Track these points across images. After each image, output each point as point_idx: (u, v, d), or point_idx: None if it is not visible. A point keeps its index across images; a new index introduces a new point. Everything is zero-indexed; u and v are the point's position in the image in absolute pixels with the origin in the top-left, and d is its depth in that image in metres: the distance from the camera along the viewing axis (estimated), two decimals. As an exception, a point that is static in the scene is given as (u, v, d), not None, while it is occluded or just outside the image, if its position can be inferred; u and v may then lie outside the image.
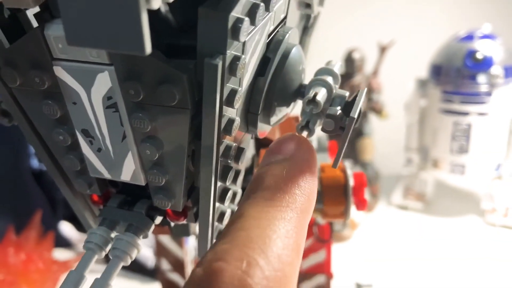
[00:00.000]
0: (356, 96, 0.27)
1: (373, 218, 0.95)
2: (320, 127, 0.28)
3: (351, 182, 0.40)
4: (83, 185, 0.28)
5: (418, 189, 0.97)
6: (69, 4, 0.16)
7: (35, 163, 0.85)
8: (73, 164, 0.26)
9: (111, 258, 0.26)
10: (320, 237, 0.56)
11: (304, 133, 0.28)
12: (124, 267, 0.81)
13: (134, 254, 0.27)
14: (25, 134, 0.27)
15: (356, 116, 0.26)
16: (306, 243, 0.58)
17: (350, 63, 0.89)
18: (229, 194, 0.28)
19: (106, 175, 0.26)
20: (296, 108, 0.32)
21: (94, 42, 0.16)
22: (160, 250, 0.60)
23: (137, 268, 0.79)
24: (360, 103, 0.27)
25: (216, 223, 0.29)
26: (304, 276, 0.60)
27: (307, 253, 0.59)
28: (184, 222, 0.29)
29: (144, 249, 0.78)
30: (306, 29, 0.36)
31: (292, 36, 0.28)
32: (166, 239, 0.59)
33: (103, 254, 0.27)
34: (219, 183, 0.26)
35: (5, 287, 0.65)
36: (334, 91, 0.28)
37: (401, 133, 1.01)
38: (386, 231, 0.90)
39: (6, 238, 0.72)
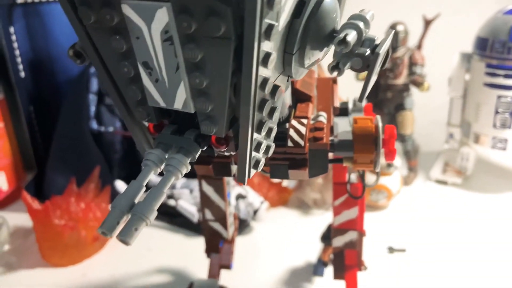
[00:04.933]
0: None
1: (410, 191, 0.97)
2: (350, 67, 0.31)
3: (381, 133, 0.43)
4: (142, 114, 0.33)
5: (458, 164, 0.97)
6: None
7: (94, 125, 0.93)
8: (135, 94, 0.31)
9: (164, 173, 0.31)
10: (353, 194, 0.59)
11: (334, 73, 0.31)
12: (170, 222, 0.87)
13: (183, 171, 0.31)
14: (96, 69, 0.32)
15: (381, 52, 0.29)
16: (340, 200, 0.62)
17: (394, 36, 0.90)
18: (265, 126, 0.32)
19: (162, 103, 0.31)
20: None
21: None
22: (204, 201, 0.65)
23: (183, 224, 0.85)
24: (387, 42, 0.30)
25: (253, 153, 0.33)
26: (337, 231, 0.63)
27: (340, 209, 0.62)
28: (225, 150, 0.33)
29: (189, 206, 0.85)
30: None
31: None
32: (210, 191, 0.64)
33: (158, 170, 0.32)
34: (257, 114, 0.30)
35: (67, 230, 0.73)
36: (364, 35, 0.31)
37: (443, 111, 1.01)
38: (423, 203, 0.92)
39: (69, 189, 0.80)
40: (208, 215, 0.66)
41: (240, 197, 0.84)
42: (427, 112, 1.07)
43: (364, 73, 0.94)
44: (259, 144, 0.33)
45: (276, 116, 0.33)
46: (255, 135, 0.32)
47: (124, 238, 0.27)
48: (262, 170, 0.45)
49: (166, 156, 0.32)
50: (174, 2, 0.25)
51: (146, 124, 0.35)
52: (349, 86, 0.79)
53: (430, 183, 0.99)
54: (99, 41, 0.30)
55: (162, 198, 0.30)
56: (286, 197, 0.93)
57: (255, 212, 0.83)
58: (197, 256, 0.74)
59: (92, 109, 0.93)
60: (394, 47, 0.91)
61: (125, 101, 0.33)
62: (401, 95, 0.93)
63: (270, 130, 0.34)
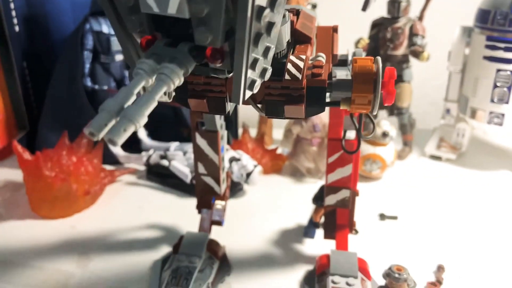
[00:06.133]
0: None
1: (404, 165, 0.96)
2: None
3: (381, 72, 0.42)
4: (134, 23, 0.31)
5: (454, 140, 0.97)
6: None
7: (88, 83, 0.92)
8: None
9: (156, 82, 0.30)
10: (348, 149, 0.58)
11: None
12: (163, 183, 0.86)
13: (176, 82, 0.30)
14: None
15: None
16: (334, 156, 0.61)
17: (396, 4, 0.89)
18: (262, 40, 0.31)
19: (155, 8, 0.30)
20: None
21: None
22: (198, 154, 0.64)
23: (175, 184, 0.85)
24: None
25: (249, 71, 0.32)
26: (330, 189, 0.63)
27: (333, 166, 0.61)
28: (220, 66, 0.32)
29: (183, 167, 0.84)
30: None
31: None
32: (204, 144, 0.63)
33: (150, 81, 0.31)
34: (254, 23, 0.29)
35: (57, 181, 0.73)
36: None
37: (441, 91, 1.00)
38: (416, 176, 0.91)
39: (60, 142, 0.78)
40: (201, 169, 0.66)
41: (233, 159, 0.83)
42: (425, 90, 1.06)
43: (364, 42, 0.92)
44: (255, 61, 0.32)
45: (275, 33, 0.32)
46: (252, 48, 0.31)
47: (112, 137, 0.26)
48: (257, 107, 0.45)
49: (159, 68, 0.31)
50: None
51: (138, 40, 0.34)
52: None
53: (424, 158, 0.99)
54: None
55: (153, 105, 0.29)
56: (280, 165, 0.93)
57: (248, 175, 0.82)
58: (188, 215, 0.74)
59: (87, 66, 0.91)
60: (395, 16, 0.90)
61: (116, 10, 0.32)
62: (400, 66, 0.92)
63: (267, 49, 0.33)
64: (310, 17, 0.49)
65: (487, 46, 0.85)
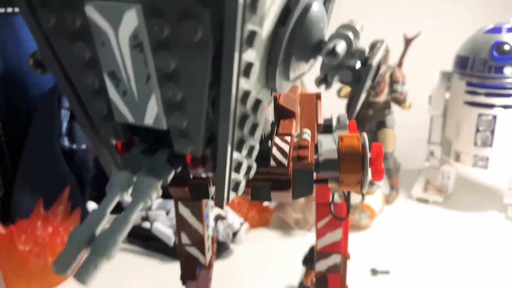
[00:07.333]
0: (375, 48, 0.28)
1: (392, 210, 0.95)
2: (338, 80, 0.29)
3: (368, 151, 0.41)
4: (109, 130, 0.29)
5: (439, 182, 0.96)
6: None
7: (66, 142, 0.89)
8: (100, 109, 0.28)
9: (132, 199, 0.28)
10: (337, 215, 0.56)
11: (322, 87, 0.29)
12: (145, 246, 0.82)
13: (154, 196, 0.28)
14: (56, 80, 0.29)
15: (374, 64, 0.27)
16: (323, 221, 0.59)
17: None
18: (246, 144, 0.29)
19: (130, 119, 0.28)
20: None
21: None
22: (181, 224, 0.61)
23: (158, 248, 0.81)
24: (379, 53, 0.27)
25: (233, 174, 0.30)
26: (320, 255, 0.60)
27: (323, 231, 0.59)
28: (202, 172, 0.30)
29: (165, 229, 0.80)
30: None
31: None
32: (187, 213, 0.61)
33: (125, 196, 0.28)
34: (237, 131, 0.28)
35: (32, 256, 0.68)
36: (353, 46, 0.29)
37: (423, 129, 1.00)
38: (405, 223, 0.90)
39: (35, 212, 0.75)
40: (185, 239, 0.62)
41: (219, 218, 0.80)
42: (407, 129, 1.06)
43: (346, 90, 0.92)
44: (239, 164, 0.30)
45: (258, 133, 0.30)
46: (235, 154, 0.29)
47: (81, 277, 0.24)
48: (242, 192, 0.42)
49: (135, 179, 0.29)
50: (144, 3, 0.23)
51: (114, 142, 0.32)
52: (331, 101, 0.78)
53: (412, 201, 0.98)
54: (60, 48, 0.27)
55: (128, 229, 0.26)
56: (267, 217, 0.90)
57: (235, 234, 0.79)
58: (173, 284, 0.70)
59: (64, 125, 0.88)
60: (375, 64, 0.90)
61: (89, 116, 0.30)
62: (382, 112, 0.92)
63: (251, 148, 0.31)
64: (293, 86, 0.48)
65: (468, 92, 0.85)
